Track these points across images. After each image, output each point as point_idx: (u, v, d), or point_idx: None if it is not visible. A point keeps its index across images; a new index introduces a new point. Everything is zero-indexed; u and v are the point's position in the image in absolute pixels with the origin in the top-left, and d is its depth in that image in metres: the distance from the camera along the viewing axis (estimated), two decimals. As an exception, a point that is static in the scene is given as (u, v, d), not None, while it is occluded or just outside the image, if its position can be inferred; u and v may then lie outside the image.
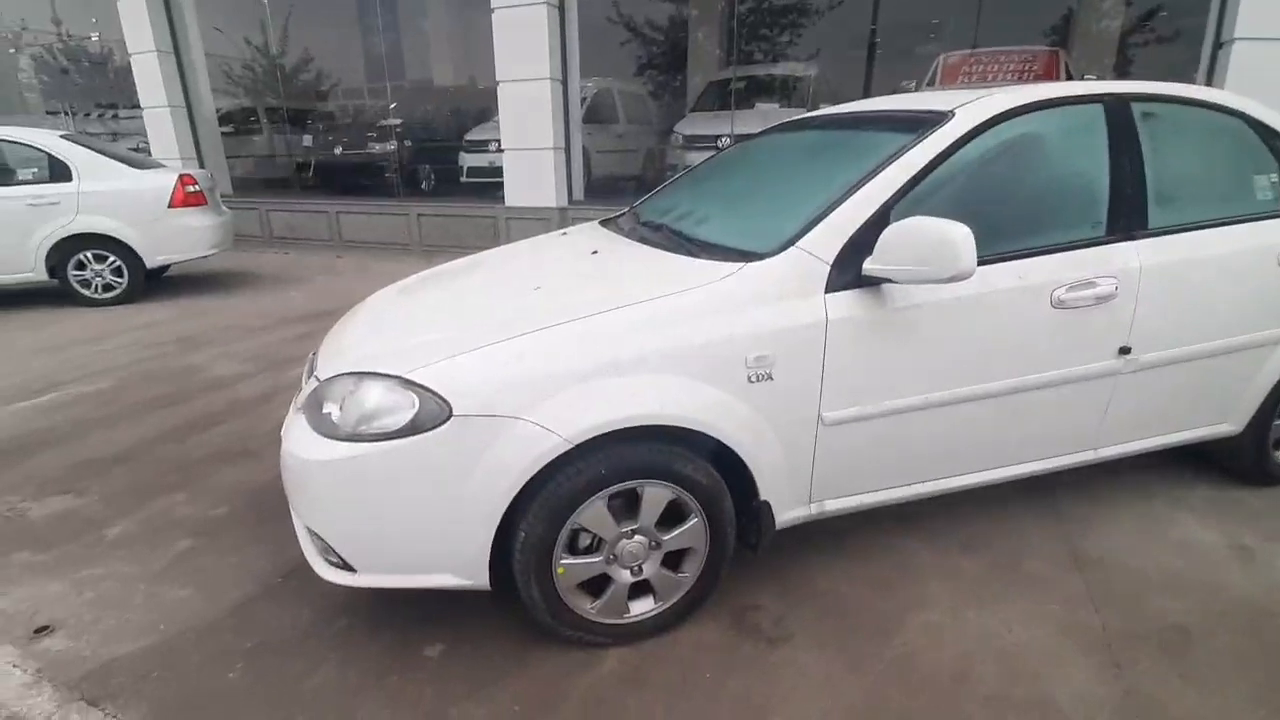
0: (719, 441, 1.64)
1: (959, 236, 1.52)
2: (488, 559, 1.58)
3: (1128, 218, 1.99)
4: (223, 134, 9.71)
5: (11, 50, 12.12)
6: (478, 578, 1.60)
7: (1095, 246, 1.94)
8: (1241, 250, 2.10)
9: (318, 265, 7.46)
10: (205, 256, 6.10)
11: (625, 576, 1.71)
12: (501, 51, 6.68)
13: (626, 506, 1.67)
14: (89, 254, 5.53)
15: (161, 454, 2.94)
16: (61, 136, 5.61)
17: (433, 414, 1.49)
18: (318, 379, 1.73)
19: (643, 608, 1.77)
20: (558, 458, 1.52)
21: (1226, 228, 2.11)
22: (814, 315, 1.67)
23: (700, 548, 1.75)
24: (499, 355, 1.55)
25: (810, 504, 1.87)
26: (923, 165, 1.78)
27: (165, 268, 6.30)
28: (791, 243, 1.72)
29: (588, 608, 1.71)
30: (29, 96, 13.44)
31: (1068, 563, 2.08)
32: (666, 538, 1.71)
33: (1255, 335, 2.17)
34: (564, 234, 2.66)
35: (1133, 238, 1.98)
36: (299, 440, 1.62)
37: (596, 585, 1.72)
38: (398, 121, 9.79)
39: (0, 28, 12.20)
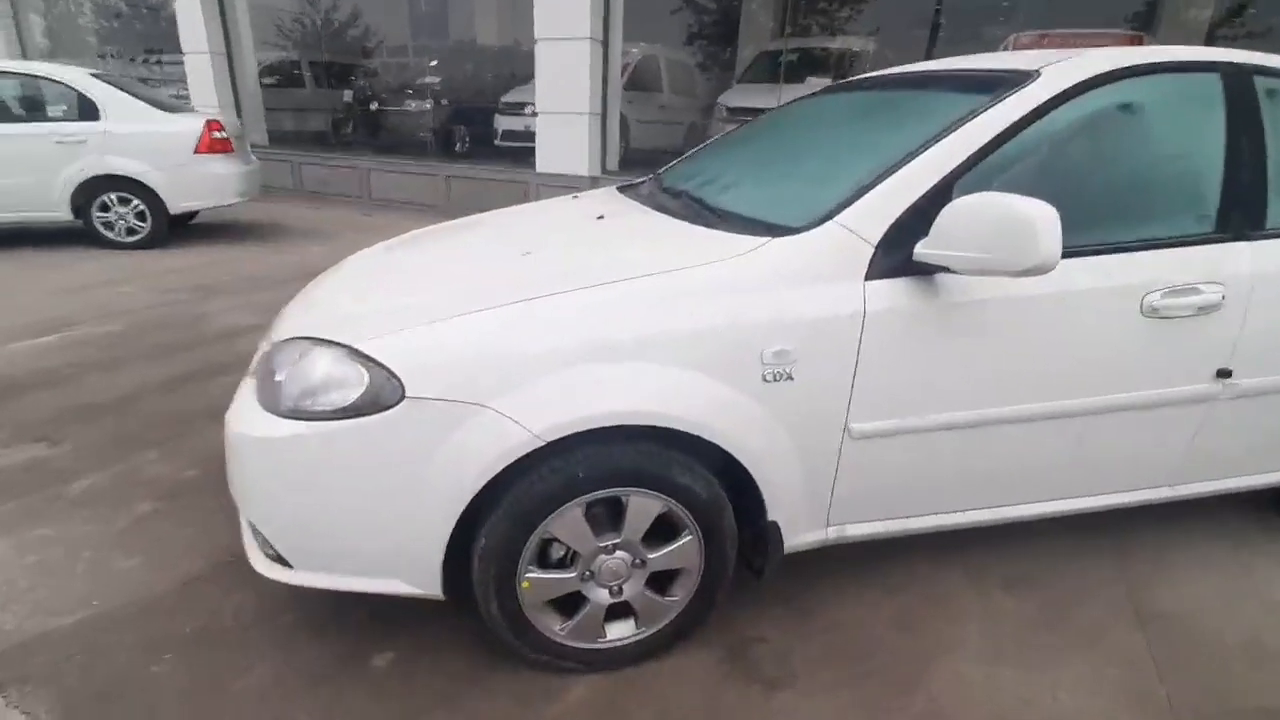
0: (723, 450, 1.37)
1: (1040, 219, 1.21)
2: (440, 566, 1.35)
3: (1243, 213, 1.64)
4: (266, 85, 9.62)
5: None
6: (429, 586, 1.38)
7: (1201, 245, 1.60)
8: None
9: (345, 221, 7.32)
10: (230, 205, 6.00)
11: (602, 597, 1.47)
12: (541, 6, 6.36)
13: (609, 517, 1.43)
14: (113, 196, 5.45)
15: (153, 405, 2.80)
16: (91, 75, 5.50)
17: (383, 393, 1.26)
18: (272, 342, 1.51)
19: (621, 632, 1.53)
20: (526, 456, 1.28)
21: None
22: (850, 305, 1.38)
23: (693, 569, 1.50)
24: (466, 329, 1.30)
25: (828, 527, 1.60)
26: (997, 133, 1.45)
27: (192, 215, 6.23)
28: (829, 217, 1.42)
29: (556, 629, 1.48)
30: (89, 40, 13.57)
31: (1129, 616, 1.78)
32: (653, 556, 1.46)
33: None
34: (574, 198, 2.39)
35: (1247, 238, 1.63)
36: (239, 412, 1.41)
37: (569, 604, 1.48)
38: (435, 80, 9.57)
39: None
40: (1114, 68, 1.57)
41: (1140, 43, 6.46)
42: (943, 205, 1.35)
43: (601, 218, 1.87)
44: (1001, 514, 1.71)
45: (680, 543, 1.46)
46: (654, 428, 1.32)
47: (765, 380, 1.37)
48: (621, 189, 2.36)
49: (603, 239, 1.74)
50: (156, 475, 2.29)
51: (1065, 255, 1.39)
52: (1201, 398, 1.66)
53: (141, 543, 1.93)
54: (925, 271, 1.41)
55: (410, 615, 1.65)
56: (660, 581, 1.52)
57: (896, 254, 1.40)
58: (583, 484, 1.33)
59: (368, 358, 1.28)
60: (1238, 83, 1.67)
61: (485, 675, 1.52)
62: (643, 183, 2.39)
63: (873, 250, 1.39)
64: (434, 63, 9.51)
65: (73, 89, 5.32)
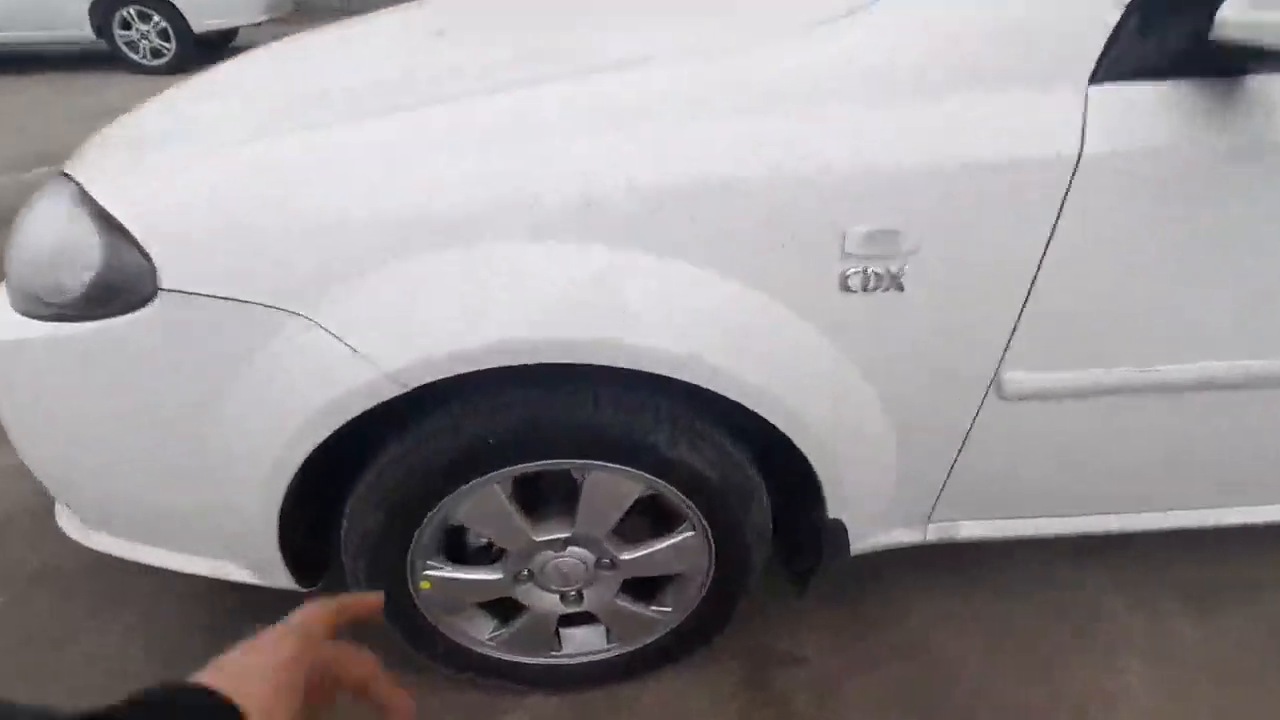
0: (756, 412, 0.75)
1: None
2: (277, 551, 0.85)
3: None
4: None
5: None
6: (271, 575, 0.89)
7: None
8: None
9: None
10: (257, 24, 5.34)
11: (549, 604, 0.95)
12: None
13: (560, 497, 0.87)
14: (132, 10, 4.90)
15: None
16: None
17: (130, 277, 0.70)
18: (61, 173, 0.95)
19: (586, 643, 1.03)
20: (382, 404, 0.71)
21: None
22: (1049, 139, 0.65)
23: (696, 574, 0.94)
24: (278, 162, 0.69)
25: (929, 524, 0.98)
26: None
27: (228, 37, 5.63)
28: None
29: (485, 638, 0.99)
30: None
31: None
32: (627, 557, 0.91)
33: None
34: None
35: None
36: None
37: (503, 606, 0.98)
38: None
39: None
40: None
41: None
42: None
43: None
44: (1222, 517, 1.02)
45: (675, 540, 0.89)
46: (616, 368, 0.70)
47: (847, 289, 0.70)
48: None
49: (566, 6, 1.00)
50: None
51: None
52: None
53: None
54: (1225, 69, 0.65)
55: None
56: (643, 588, 0.98)
57: (1163, 33, 0.64)
58: (497, 452, 0.76)
59: (101, 211, 0.70)
60: None
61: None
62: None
63: (1109, 27, 0.63)
64: None
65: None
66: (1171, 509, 1.02)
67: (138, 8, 4.90)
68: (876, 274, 0.69)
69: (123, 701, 0.25)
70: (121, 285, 0.70)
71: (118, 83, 4.84)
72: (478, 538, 0.94)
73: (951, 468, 0.87)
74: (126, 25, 4.97)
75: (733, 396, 0.72)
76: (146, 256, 0.68)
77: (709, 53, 0.70)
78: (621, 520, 0.87)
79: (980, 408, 0.80)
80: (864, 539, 0.96)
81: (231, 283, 0.67)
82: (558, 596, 0.94)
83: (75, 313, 0.73)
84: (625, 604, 0.96)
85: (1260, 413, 0.87)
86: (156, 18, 4.96)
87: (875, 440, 0.81)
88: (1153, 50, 0.65)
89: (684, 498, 0.83)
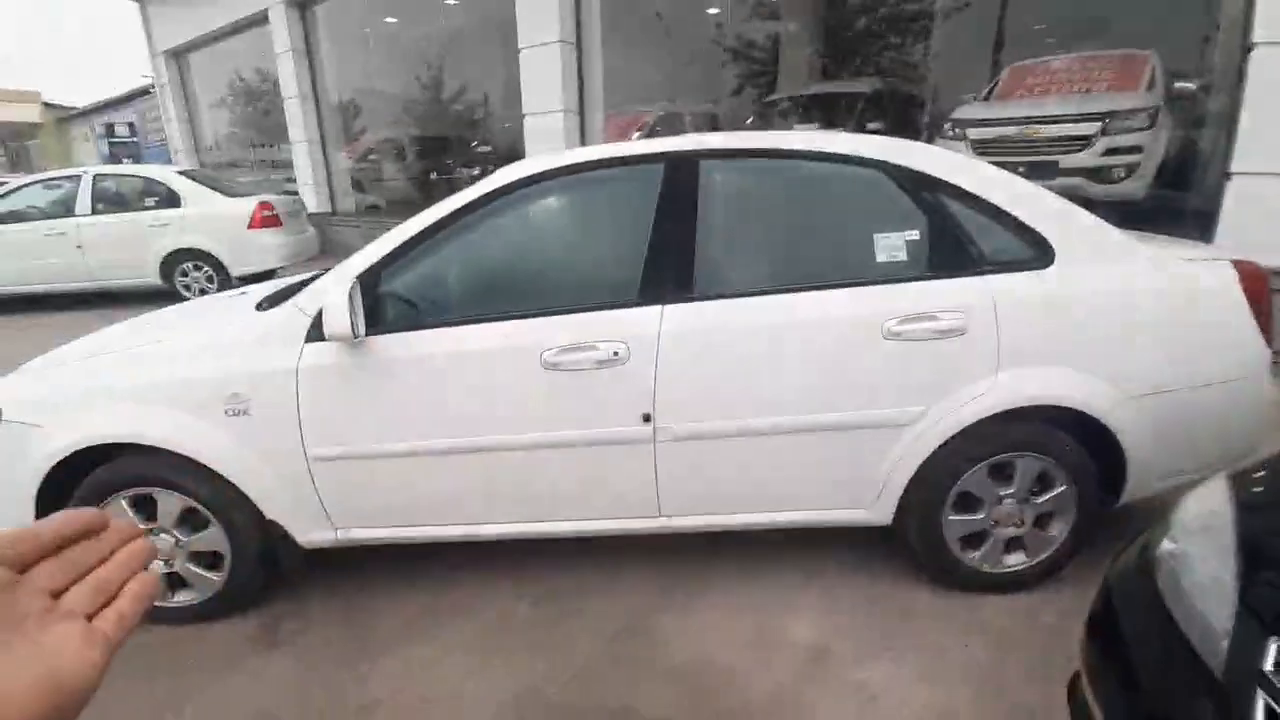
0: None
1: (331, 307, 1.69)
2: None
3: (663, 282, 1.91)
4: (370, 161, 11.46)
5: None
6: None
7: (607, 310, 1.90)
8: (826, 319, 1.89)
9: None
10: (278, 270, 7.41)
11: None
12: (525, 86, 7.25)
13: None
14: (189, 264, 7.04)
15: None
16: (177, 172, 7.21)
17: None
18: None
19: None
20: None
21: (813, 293, 1.91)
22: (288, 363, 1.90)
23: (219, 558, 2.05)
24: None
25: (335, 530, 2.07)
26: (422, 229, 1.92)
27: (270, 273, 7.72)
28: (287, 296, 1.97)
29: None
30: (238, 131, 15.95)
31: (608, 631, 2.03)
32: (189, 537, 2.03)
33: (859, 415, 1.92)
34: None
35: (664, 301, 1.89)
36: None
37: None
38: (488, 149, 10.89)
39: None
40: (551, 167, 1.96)
41: (1138, 62, 5.97)
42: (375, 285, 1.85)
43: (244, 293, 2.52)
44: (487, 531, 2.07)
45: (204, 534, 2.02)
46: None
47: (229, 415, 1.91)
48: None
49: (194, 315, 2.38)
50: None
51: (474, 322, 1.84)
52: (635, 439, 1.92)
53: None
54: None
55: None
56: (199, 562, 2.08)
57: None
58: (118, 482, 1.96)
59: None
60: (680, 169, 1.96)
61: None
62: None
63: (310, 321, 1.91)
64: (478, 141, 10.84)
65: (164, 184, 7.02)
66: (448, 524, 2.07)
67: (193, 262, 7.03)
68: (238, 410, 1.91)
69: None
70: (-9, 420, 1.99)
71: (170, 312, 6.82)
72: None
73: (319, 495, 2.00)
74: (185, 274, 7.08)
75: (191, 456, 1.91)
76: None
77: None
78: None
79: (309, 465, 1.95)
80: (303, 536, 2.05)
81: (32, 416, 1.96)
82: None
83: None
84: (195, 567, 2.07)
85: (444, 466, 1.97)
86: (206, 267, 7.06)
87: (276, 479, 1.96)
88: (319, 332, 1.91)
89: (206, 510, 1.99)
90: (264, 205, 7.12)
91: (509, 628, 2.06)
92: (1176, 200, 4.60)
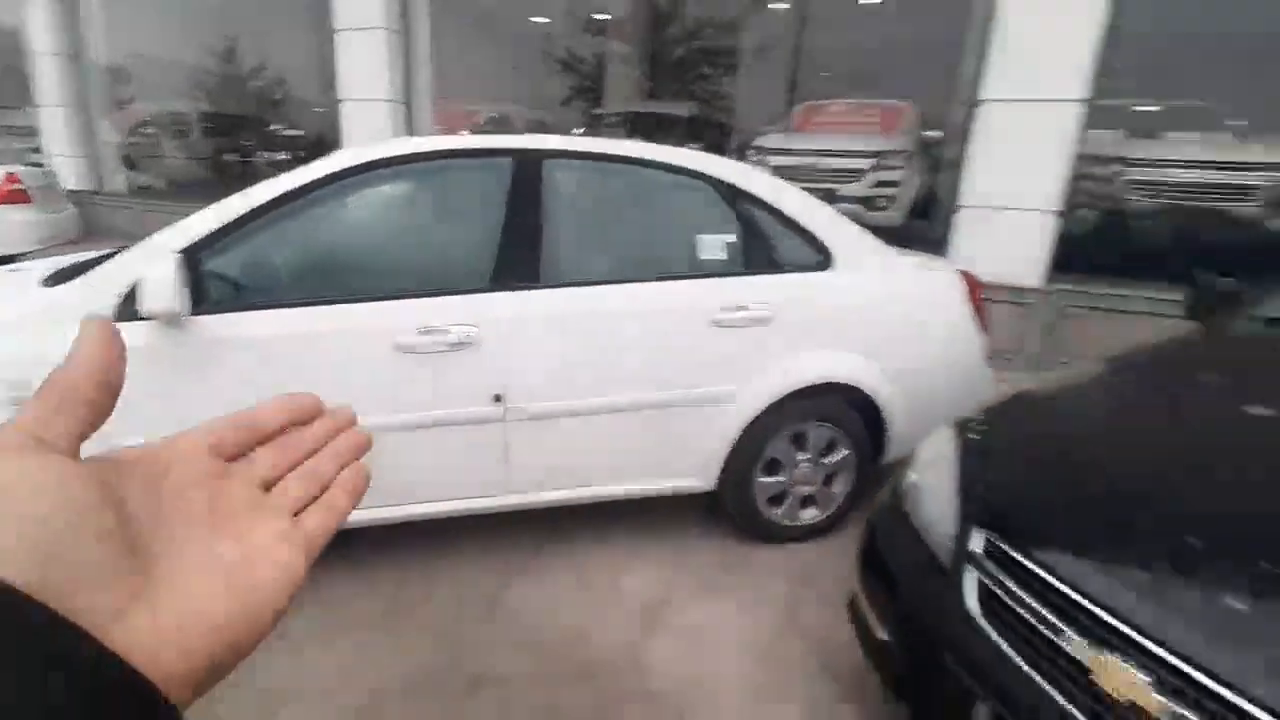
0: None
1: (151, 278, 1.58)
2: None
3: (513, 269, 2.02)
4: (145, 136, 9.88)
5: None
6: None
7: (459, 295, 1.97)
8: (660, 309, 2.13)
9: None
10: (29, 253, 6.18)
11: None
12: (343, 71, 6.83)
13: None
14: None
15: None
16: None
17: None
18: None
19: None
20: None
21: (649, 284, 2.14)
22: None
23: None
24: None
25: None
26: (253, 207, 1.84)
27: (13, 257, 6.35)
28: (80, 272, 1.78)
29: None
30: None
31: (461, 610, 2.09)
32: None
33: (688, 393, 2.19)
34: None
35: (514, 288, 2.01)
36: None
37: None
38: (298, 132, 10.00)
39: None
40: (398, 154, 1.98)
41: (900, 112, 7.20)
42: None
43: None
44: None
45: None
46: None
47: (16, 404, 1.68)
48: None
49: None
50: None
51: (319, 304, 1.77)
52: (486, 419, 2.02)
53: None
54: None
55: None
56: None
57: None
58: None
59: None
60: (529, 164, 2.09)
61: None
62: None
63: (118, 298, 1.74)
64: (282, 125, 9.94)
65: None
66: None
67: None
68: (24, 399, 1.68)
69: None
70: None
71: None
72: None
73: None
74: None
75: None
76: None
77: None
78: None
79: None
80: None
81: None
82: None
83: None
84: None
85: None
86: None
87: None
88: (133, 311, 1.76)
89: None
90: (11, 178, 5.92)
91: (361, 616, 2.02)
92: (923, 227, 5.63)
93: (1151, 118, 6.24)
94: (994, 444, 1.55)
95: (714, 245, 2.24)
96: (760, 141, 6.90)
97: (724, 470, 2.33)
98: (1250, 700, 0.87)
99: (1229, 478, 1.26)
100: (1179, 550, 1.09)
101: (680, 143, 8.04)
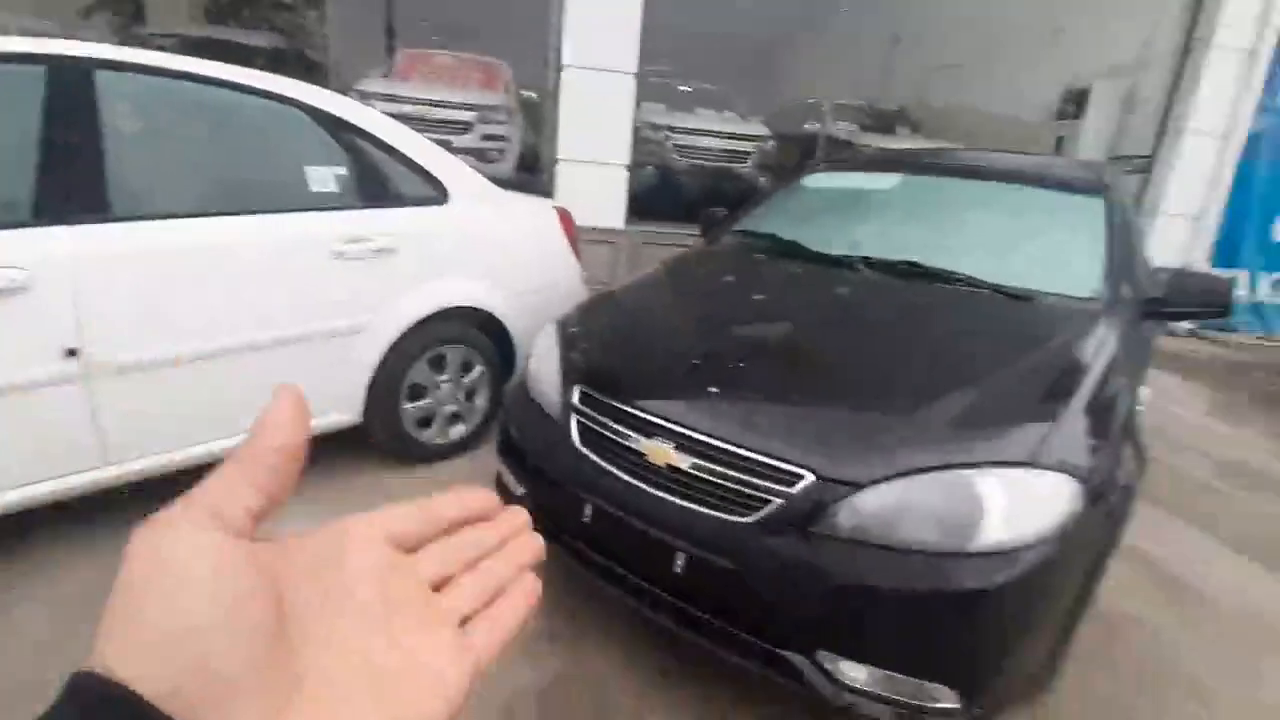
0: None
1: None
2: None
3: (67, 200, 1.73)
4: None
5: None
6: None
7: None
8: (272, 242, 2.07)
9: None
10: None
11: None
12: None
13: None
14: None
15: None
16: None
17: None
18: None
19: None
20: None
21: (257, 217, 2.05)
22: None
23: None
24: None
25: None
26: None
27: None
28: None
29: None
30: None
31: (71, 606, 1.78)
32: None
33: (315, 327, 2.19)
34: None
35: (72, 221, 1.72)
36: None
37: None
38: None
39: None
40: None
41: (498, 70, 7.62)
42: None
43: None
44: None
45: None
46: None
47: None
48: None
49: None
50: None
51: None
52: (59, 379, 1.72)
53: None
54: None
55: None
56: None
57: None
58: None
59: None
60: (70, 76, 1.76)
61: None
62: None
63: None
64: None
65: None
66: None
67: None
68: None
69: None
70: None
71: None
72: None
73: None
74: None
75: None
76: None
77: None
78: None
79: None
80: None
81: None
82: None
83: None
84: None
85: None
86: None
87: None
88: None
89: None
90: None
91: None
92: (531, 180, 6.25)
93: (688, 96, 7.94)
94: (582, 329, 2.03)
95: (325, 178, 2.24)
96: (363, 86, 6.59)
97: (368, 401, 2.42)
98: (717, 439, 1.46)
99: (716, 327, 1.94)
100: (689, 372, 1.68)
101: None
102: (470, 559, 0.31)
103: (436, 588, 0.29)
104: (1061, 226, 2.28)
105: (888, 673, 1.33)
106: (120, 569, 0.21)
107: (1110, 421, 1.55)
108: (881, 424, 1.47)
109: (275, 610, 0.23)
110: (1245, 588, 2.39)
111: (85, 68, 1.79)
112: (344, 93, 6.43)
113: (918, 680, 1.33)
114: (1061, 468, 1.36)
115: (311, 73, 7.86)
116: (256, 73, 2.17)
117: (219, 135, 2.10)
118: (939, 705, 1.33)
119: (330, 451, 2.57)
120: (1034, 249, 2.23)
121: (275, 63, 7.38)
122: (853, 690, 1.35)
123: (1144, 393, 1.96)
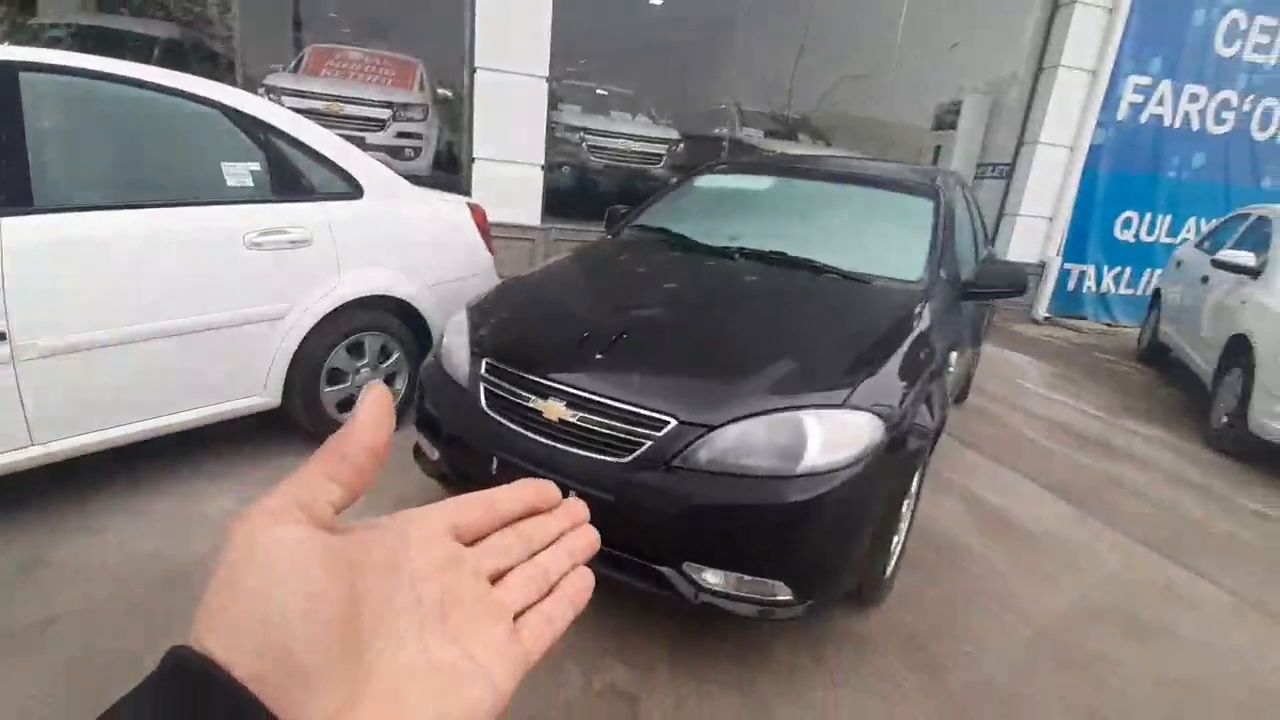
0: None
1: None
2: None
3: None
4: None
5: None
6: None
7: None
8: (188, 233, 2.20)
9: None
10: None
11: None
12: None
13: None
14: None
15: None
16: None
17: None
18: None
19: None
20: None
21: (172, 210, 2.18)
22: None
23: None
24: None
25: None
26: None
27: None
28: None
29: None
30: None
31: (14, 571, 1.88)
32: None
33: (234, 314, 2.33)
34: None
35: (-2, 213, 1.83)
36: None
37: None
38: None
39: None
40: None
41: (415, 68, 7.64)
42: None
43: None
44: None
45: None
46: None
47: None
48: None
49: None
50: None
51: None
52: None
53: None
54: None
55: None
56: None
57: None
58: None
59: None
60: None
61: None
62: None
63: None
64: None
65: None
66: None
67: None
68: None
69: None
70: None
71: None
72: None
73: None
74: None
75: None
76: None
77: None
78: None
79: None
80: None
81: None
82: None
83: None
84: None
85: None
86: None
87: None
88: None
89: None
90: None
91: None
92: (448, 178, 6.37)
93: (604, 100, 8.24)
94: (490, 310, 2.28)
95: (241, 173, 2.39)
96: (271, 80, 6.51)
97: (287, 385, 2.57)
98: (600, 395, 1.76)
99: (610, 304, 2.24)
100: (580, 343, 1.96)
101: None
102: (528, 551, 0.32)
103: (494, 580, 0.30)
104: (899, 223, 2.73)
105: (739, 575, 1.67)
106: (221, 555, 0.23)
107: (916, 378, 1.95)
108: (733, 379, 1.81)
109: (350, 604, 0.24)
110: (1056, 522, 2.92)
111: (10, 71, 1.89)
112: (251, 87, 6.35)
113: (762, 579, 1.67)
114: (870, 409, 1.74)
115: (214, 65, 7.64)
116: (176, 73, 2.29)
117: (139, 132, 2.21)
118: (778, 598, 1.68)
119: (262, 434, 2.70)
120: (876, 241, 2.66)
121: (172, 54, 7.13)
122: (711, 592, 1.68)
123: (953, 357, 2.41)
